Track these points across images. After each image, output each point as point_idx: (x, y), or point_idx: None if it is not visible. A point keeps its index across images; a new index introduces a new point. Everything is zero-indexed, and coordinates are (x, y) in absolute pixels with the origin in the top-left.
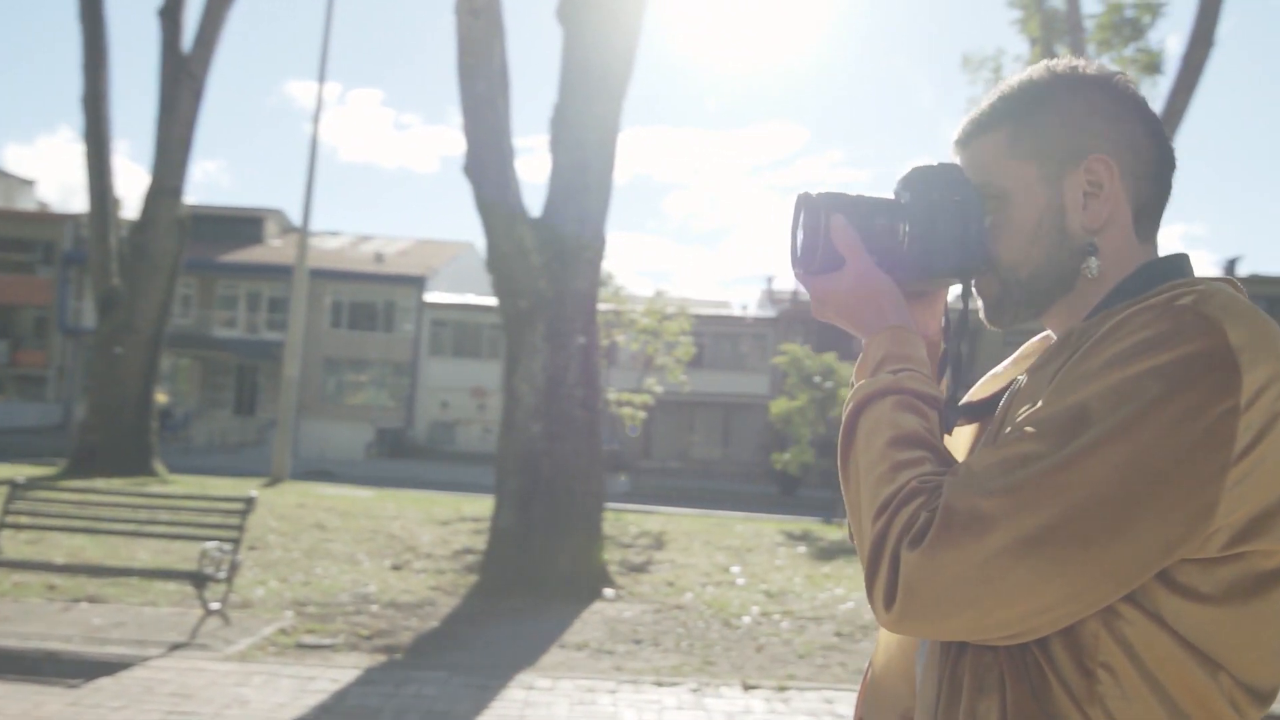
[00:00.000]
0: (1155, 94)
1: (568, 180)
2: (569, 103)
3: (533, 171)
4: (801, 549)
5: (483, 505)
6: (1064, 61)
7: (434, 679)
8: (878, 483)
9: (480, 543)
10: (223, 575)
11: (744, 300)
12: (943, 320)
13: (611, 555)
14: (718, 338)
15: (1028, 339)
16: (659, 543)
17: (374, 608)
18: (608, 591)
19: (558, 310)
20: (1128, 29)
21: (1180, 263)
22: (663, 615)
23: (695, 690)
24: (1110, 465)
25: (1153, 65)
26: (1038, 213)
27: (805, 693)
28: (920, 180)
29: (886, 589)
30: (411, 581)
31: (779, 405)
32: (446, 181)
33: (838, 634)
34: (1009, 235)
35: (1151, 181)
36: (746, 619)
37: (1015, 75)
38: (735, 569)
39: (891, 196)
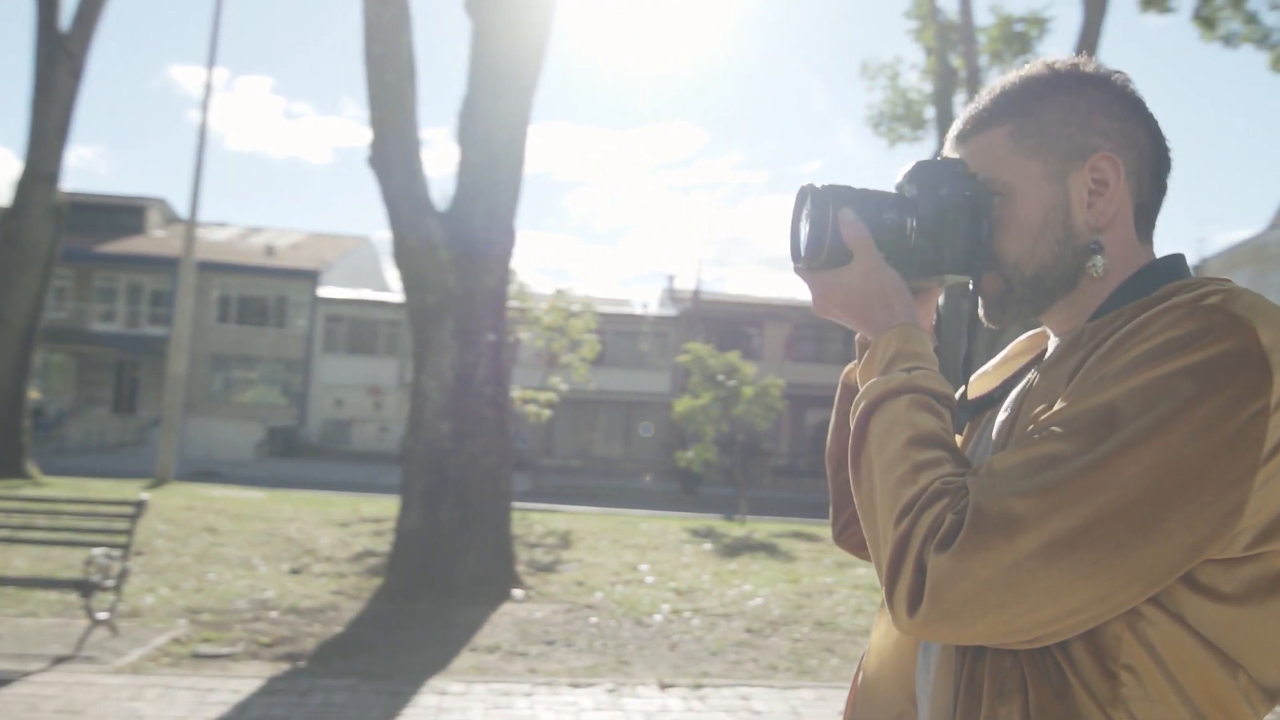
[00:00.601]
0: None
1: (477, 175)
2: (478, 97)
3: (432, 165)
4: (707, 546)
5: (382, 506)
6: (1064, 59)
7: (342, 687)
8: (898, 484)
9: (383, 544)
10: (111, 583)
11: (645, 299)
12: (934, 318)
13: (519, 555)
14: (619, 336)
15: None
16: (566, 542)
17: (273, 614)
18: (517, 592)
19: (467, 307)
20: (1017, 43)
21: (1179, 263)
22: (574, 615)
23: (612, 690)
24: (1142, 466)
25: None
26: (1043, 210)
27: (721, 690)
28: (927, 175)
29: (910, 593)
30: (312, 586)
31: (683, 403)
32: (340, 173)
33: (748, 630)
34: (1013, 232)
35: (1151, 181)
36: (658, 617)
37: (1012, 72)
38: (643, 567)
39: (892, 191)
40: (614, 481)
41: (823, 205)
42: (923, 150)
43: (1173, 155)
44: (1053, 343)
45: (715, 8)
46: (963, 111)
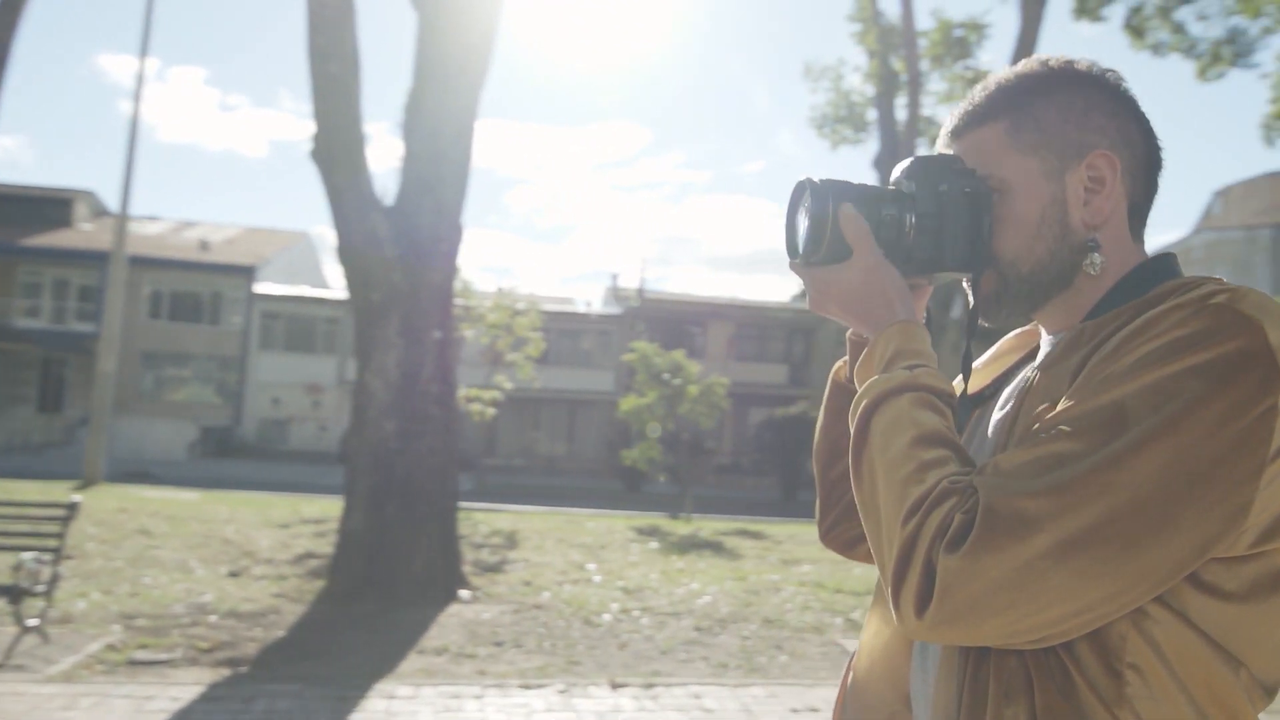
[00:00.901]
0: None
1: (423, 171)
2: (425, 91)
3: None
4: (654, 544)
5: (323, 506)
6: (1058, 56)
7: (286, 692)
8: (905, 483)
9: (324, 546)
10: (41, 588)
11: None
12: (925, 316)
13: (465, 556)
14: (563, 334)
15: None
16: (512, 542)
17: (212, 618)
18: (464, 593)
19: (413, 304)
20: (957, 48)
21: (1172, 262)
22: (522, 615)
23: (563, 691)
24: (1154, 465)
25: (979, 82)
26: (1040, 207)
27: (673, 689)
28: (926, 171)
29: (919, 594)
30: (252, 589)
31: (629, 402)
32: (278, 167)
33: (697, 629)
34: (1011, 229)
35: (1144, 180)
36: (607, 616)
37: (1007, 69)
38: (591, 566)
39: (889, 187)
40: (557, 480)
41: (823, 200)
42: (865, 153)
43: (1164, 155)
44: (1046, 340)
45: (659, 7)
46: (956, 107)
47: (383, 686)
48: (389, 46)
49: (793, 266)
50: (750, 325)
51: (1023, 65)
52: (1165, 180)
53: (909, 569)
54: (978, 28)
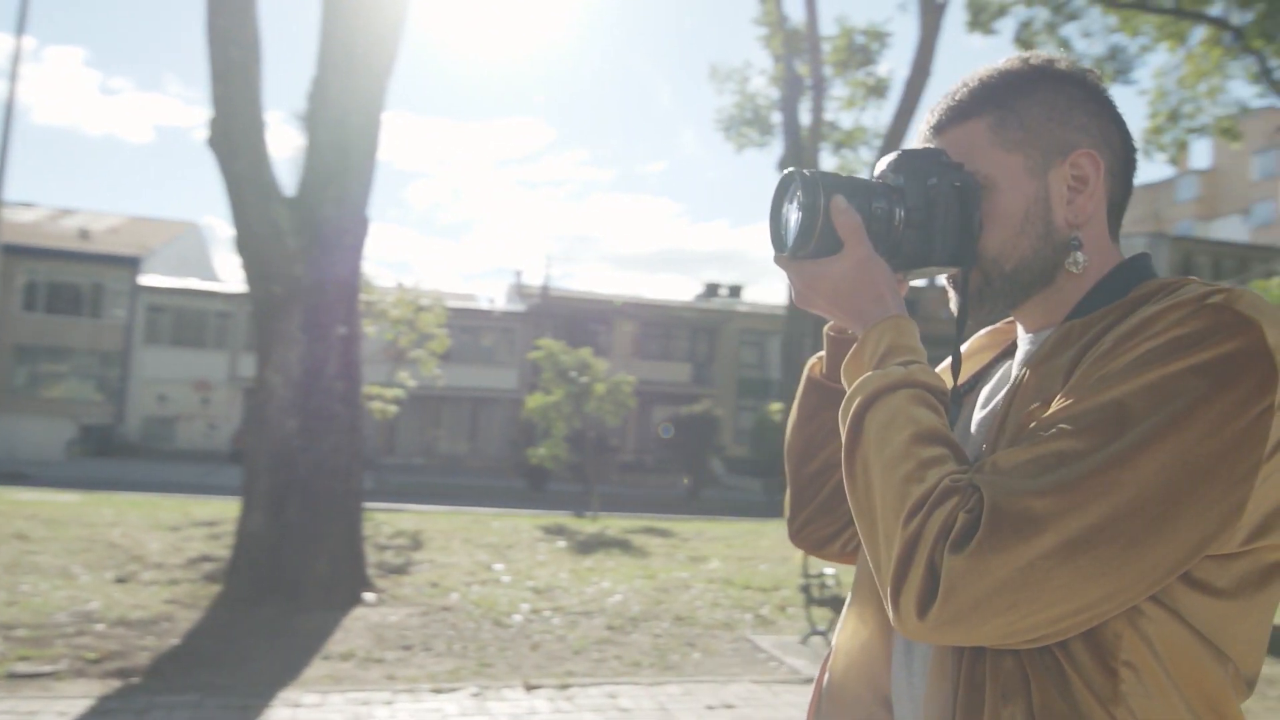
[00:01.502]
0: (881, 117)
1: (327, 160)
2: (330, 78)
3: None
4: (561, 543)
5: (216, 508)
6: (1039, 54)
7: (184, 703)
8: (905, 482)
9: (220, 549)
10: None
11: (490, 294)
12: None
13: (369, 557)
14: (465, 331)
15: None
16: (416, 542)
17: (99, 627)
18: (369, 596)
19: (317, 298)
20: (860, 54)
21: (1149, 262)
22: (430, 618)
23: (476, 695)
24: (1158, 463)
25: (880, 89)
26: (1025, 204)
27: (588, 689)
28: (914, 164)
29: (921, 594)
30: (141, 595)
31: (535, 399)
32: (164, 154)
33: (609, 628)
34: (995, 226)
35: (1122, 180)
36: (517, 617)
37: (986, 65)
38: (498, 566)
39: (876, 180)
40: (460, 479)
41: (814, 191)
42: (770, 155)
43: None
44: (1025, 338)
45: (564, 3)
46: (937, 102)
47: (287, 694)
48: (287, 31)
49: (778, 260)
50: (655, 324)
51: (1005, 62)
52: None
53: (911, 569)
54: (879, 36)
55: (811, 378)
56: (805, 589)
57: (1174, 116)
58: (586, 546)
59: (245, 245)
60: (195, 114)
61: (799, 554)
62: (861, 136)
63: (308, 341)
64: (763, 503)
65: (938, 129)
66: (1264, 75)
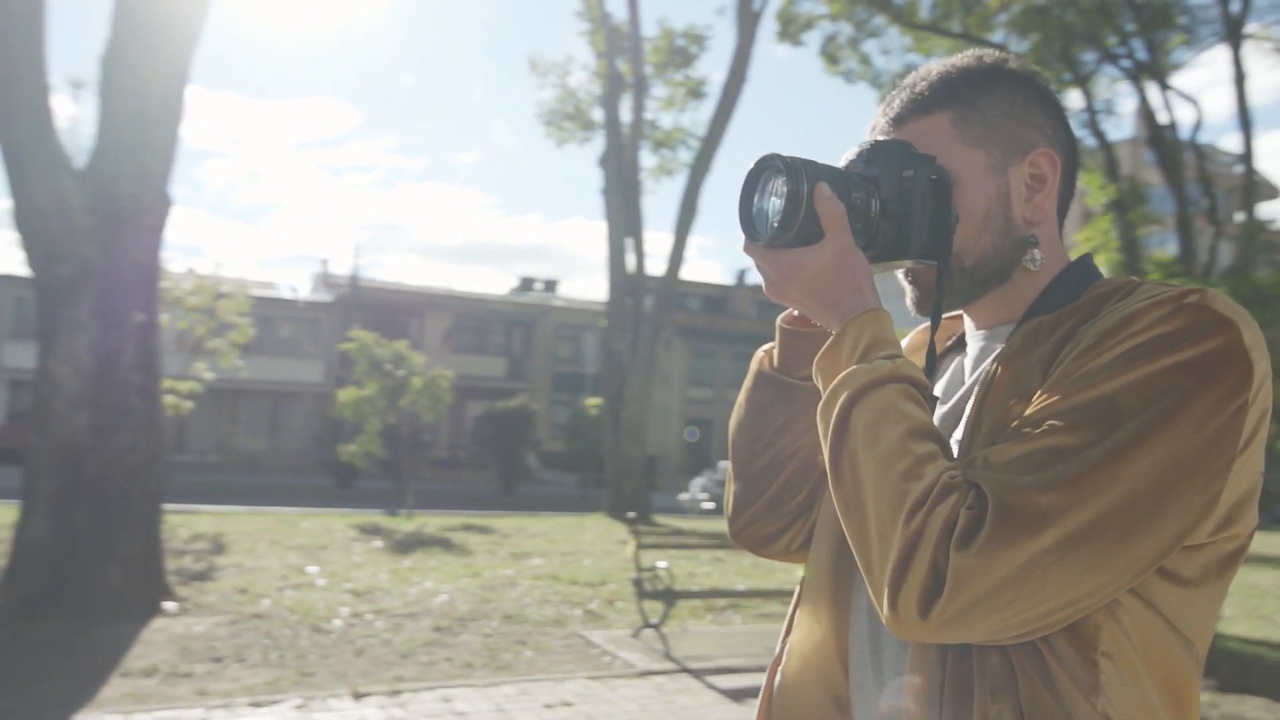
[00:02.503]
0: (700, 118)
1: (124, 132)
2: (127, 44)
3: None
4: (377, 543)
5: None
6: (991, 53)
7: None
8: (902, 478)
9: None
10: None
11: (292, 282)
12: None
13: (166, 563)
14: (265, 321)
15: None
16: (218, 546)
17: None
18: (169, 605)
19: (110, 282)
20: (680, 56)
21: (1093, 262)
22: (241, 626)
23: (300, 706)
24: (1152, 458)
25: (697, 91)
26: (987, 201)
27: (420, 694)
28: (888, 156)
29: (923, 593)
30: None
31: (348, 394)
32: None
33: (437, 629)
34: (958, 222)
35: (1070, 182)
36: (337, 622)
37: (941, 61)
38: (312, 569)
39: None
40: (259, 478)
41: (797, 178)
42: (589, 151)
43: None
44: (976, 334)
45: None
46: (895, 94)
47: (83, 717)
48: None
49: (749, 249)
50: (469, 317)
51: (960, 59)
52: None
53: (912, 567)
54: (698, 39)
55: (762, 371)
56: (638, 582)
57: None
58: (405, 546)
59: (25, 220)
60: None
61: (627, 548)
62: (680, 137)
63: (100, 329)
64: (578, 497)
65: (897, 121)
66: None
